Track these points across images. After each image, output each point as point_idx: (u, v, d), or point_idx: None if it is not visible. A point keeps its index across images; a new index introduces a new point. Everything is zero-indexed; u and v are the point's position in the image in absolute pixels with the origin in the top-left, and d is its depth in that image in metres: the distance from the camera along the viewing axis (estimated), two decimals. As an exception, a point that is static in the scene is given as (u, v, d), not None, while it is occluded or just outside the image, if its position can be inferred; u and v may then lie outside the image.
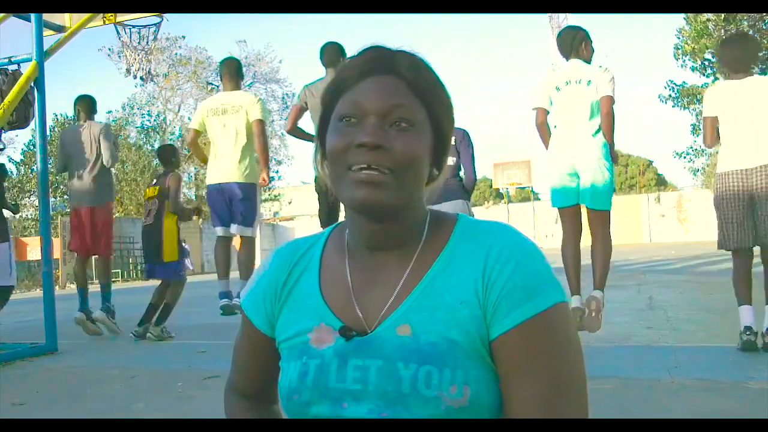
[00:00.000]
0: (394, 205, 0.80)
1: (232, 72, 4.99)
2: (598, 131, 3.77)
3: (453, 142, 4.19)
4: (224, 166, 4.81)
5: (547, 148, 4.01)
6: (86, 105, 5.58)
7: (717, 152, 3.81)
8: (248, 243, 4.91)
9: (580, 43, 3.93)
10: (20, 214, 19.40)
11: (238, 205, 4.80)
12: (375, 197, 0.78)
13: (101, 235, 5.40)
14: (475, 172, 4.35)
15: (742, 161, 3.59)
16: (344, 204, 0.84)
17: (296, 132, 4.90)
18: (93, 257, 5.92)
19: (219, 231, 4.93)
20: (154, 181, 5.43)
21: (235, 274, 4.89)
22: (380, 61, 0.84)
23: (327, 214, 4.69)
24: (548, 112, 3.94)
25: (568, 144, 3.83)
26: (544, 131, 3.97)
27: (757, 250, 3.63)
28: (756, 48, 4.05)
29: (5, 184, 5.68)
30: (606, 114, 3.74)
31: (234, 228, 4.81)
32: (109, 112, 25.55)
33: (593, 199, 3.78)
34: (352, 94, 0.83)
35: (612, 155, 3.83)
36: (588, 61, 3.93)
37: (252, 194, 4.84)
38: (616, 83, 3.74)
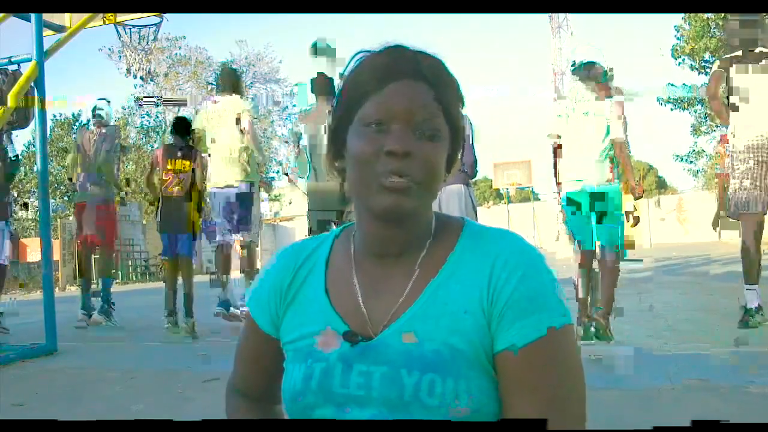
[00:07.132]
0: (417, 212, 0.81)
1: (225, 79, 5.32)
2: (605, 156, 3.86)
3: None
4: (220, 171, 5.03)
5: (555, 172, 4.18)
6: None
7: (717, 154, 3.89)
8: (248, 247, 5.10)
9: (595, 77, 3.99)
10: (20, 214, 19.31)
11: (235, 210, 4.97)
12: (402, 204, 0.78)
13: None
14: (475, 155, 4.19)
15: None
16: (367, 210, 0.83)
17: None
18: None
19: (218, 238, 5.09)
20: (179, 153, 5.31)
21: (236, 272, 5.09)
22: (404, 62, 0.82)
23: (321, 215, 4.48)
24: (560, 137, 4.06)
25: (576, 167, 3.92)
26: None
27: None
28: None
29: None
30: (623, 159, 3.85)
31: (235, 237, 5.03)
32: (109, 112, 25.52)
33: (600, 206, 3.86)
34: (380, 98, 0.81)
35: (634, 190, 3.95)
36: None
37: (247, 198, 5.02)
38: (626, 117, 3.83)
